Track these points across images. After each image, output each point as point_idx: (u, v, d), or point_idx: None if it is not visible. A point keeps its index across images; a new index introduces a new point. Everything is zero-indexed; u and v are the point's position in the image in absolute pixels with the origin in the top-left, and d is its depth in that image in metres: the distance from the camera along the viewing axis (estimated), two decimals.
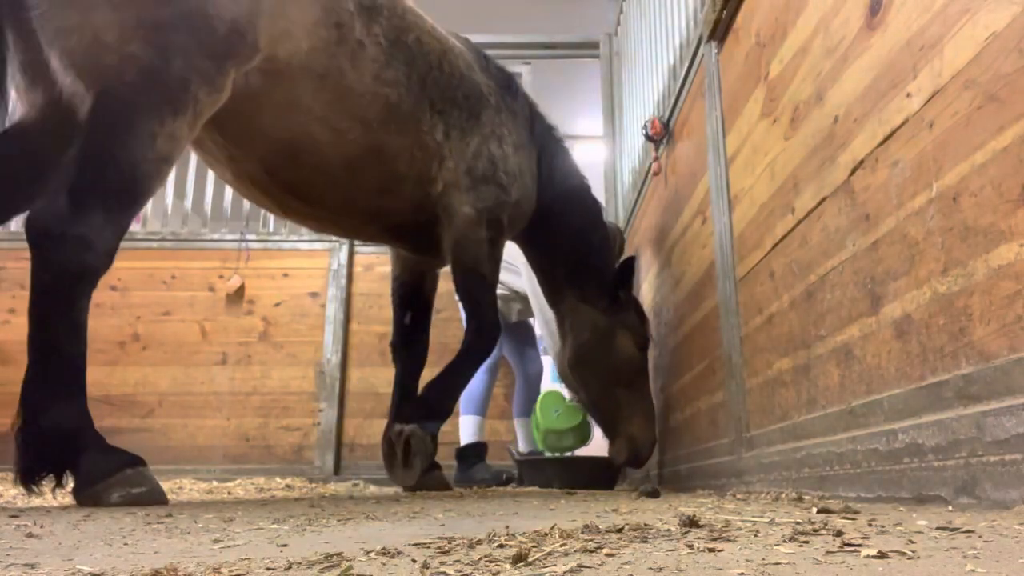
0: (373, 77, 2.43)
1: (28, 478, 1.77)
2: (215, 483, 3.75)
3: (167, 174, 2.02)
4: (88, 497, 1.79)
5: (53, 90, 1.99)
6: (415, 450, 2.66)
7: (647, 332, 3.29)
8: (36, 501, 2.14)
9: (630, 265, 3.22)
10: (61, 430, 1.79)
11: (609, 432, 3.27)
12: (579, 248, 3.19)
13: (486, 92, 2.88)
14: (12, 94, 2.07)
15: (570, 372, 3.30)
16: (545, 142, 3.18)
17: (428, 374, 4.74)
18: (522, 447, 4.28)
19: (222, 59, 2.01)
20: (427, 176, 2.71)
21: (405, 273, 3.26)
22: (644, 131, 3.59)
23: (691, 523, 1.03)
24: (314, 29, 2.26)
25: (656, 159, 3.58)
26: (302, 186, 2.54)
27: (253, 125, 2.29)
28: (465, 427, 4.13)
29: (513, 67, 5.45)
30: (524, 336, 4.43)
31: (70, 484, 1.82)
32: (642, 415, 3.19)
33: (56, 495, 1.88)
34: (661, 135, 3.47)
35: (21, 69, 2.04)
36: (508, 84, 3.05)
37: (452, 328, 4.91)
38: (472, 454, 4.07)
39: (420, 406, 2.78)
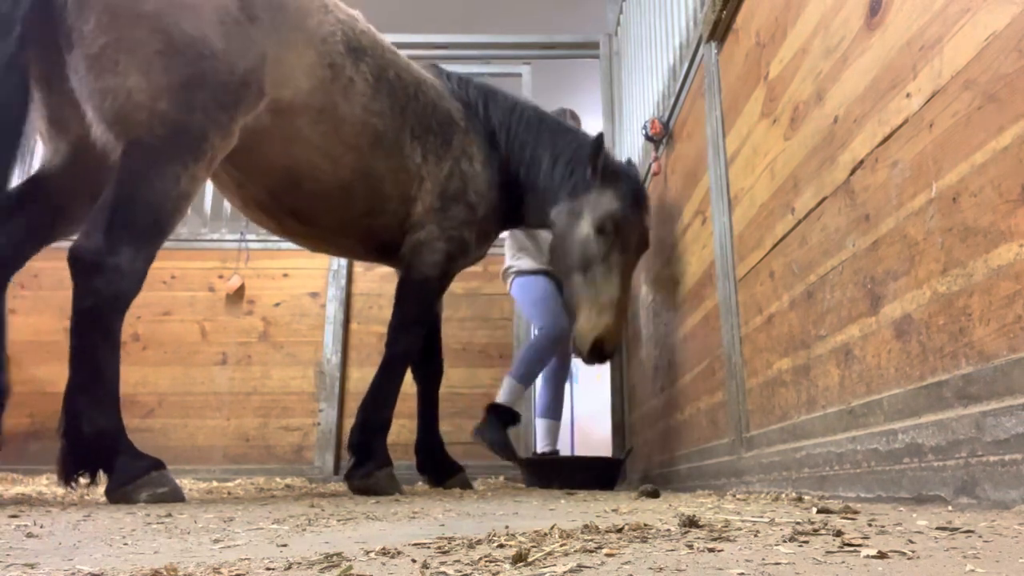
0: (362, 108, 2.74)
1: (68, 476, 2.05)
2: (215, 483, 3.75)
3: (187, 209, 2.32)
4: (120, 496, 2.03)
5: (78, 138, 2.33)
6: (383, 490, 2.71)
7: (620, 211, 3.08)
8: (37, 501, 2.14)
9: (598, 141, 3.10)
10: (100, 433, 2.06)
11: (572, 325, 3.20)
12: (551, 171, 3.22)
13: (456, 117, 3.13)
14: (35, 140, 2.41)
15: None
16: (502, 119, 3.25)
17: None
18: (540, 447, 4.23)
19: (234, 108, 2.33)
20: (408, 196, 2.97)
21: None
22: (644, 131, 3.59)
23: (691, 523, 1.03)
24: (311, 70, 2.58)
25: (656, 159, 3.58)
26: (303, 209, 2.84)
27: (261, 157, 2.59)
28: (512, 391, 3.95)
29: (513, 67, 5.46)
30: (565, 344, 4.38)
31: (102, 484, 2.07)
32: (589, 303, 3.04)
33: (63, 491, 1.88)
34: (661, 135, 3.46)
35: (47, 120, 2.40)
36: (468, 97, 3.24)
37: (452, 328, 4.91)
38: (497, 416, 3.88)
39: (361, 431, 2.85)
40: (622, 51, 5.15)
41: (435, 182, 2.99)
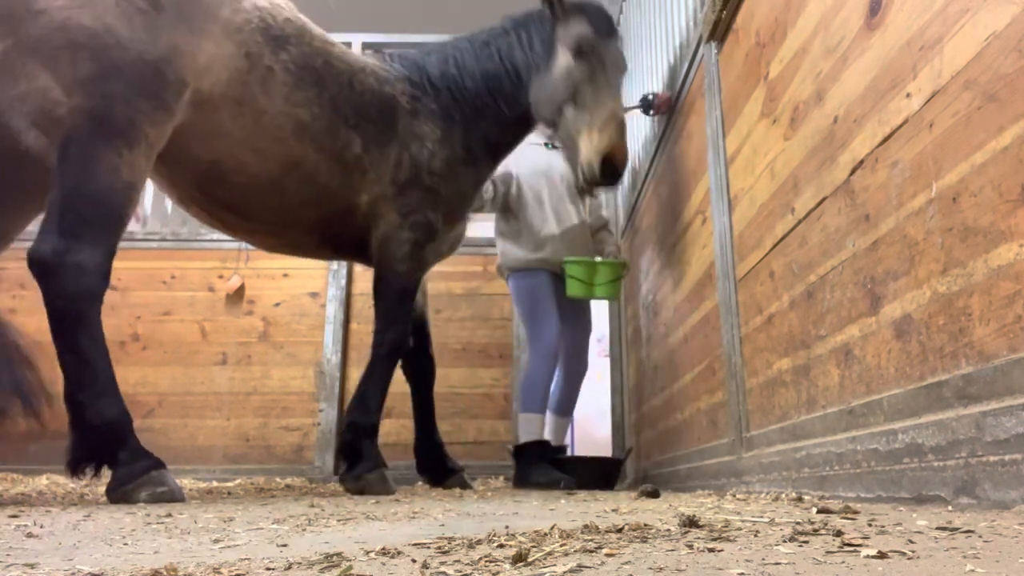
0: (284, 99, 2.68)
1: (75, 468, 2.15)
2: (215, 483, 3.75)
3: (136, 200, 2.35)
4: (120, 496, 2.08)
5: (9, 146, 2.32)
6: (375, 492, 2.71)
7: (592, 33, 3.03)
8: (37, 501, 2.14)
9: None
10: (105, 422, 2.16)
11: (575, 166, 3.09)
12: (512, 71, 3.13)
13: (401, 101, 3.02)
14: None
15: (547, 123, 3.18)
16: (443, 73, 3.13)
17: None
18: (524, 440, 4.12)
19: (156, 97, 2.33)
20: (350, 188, 2.90)
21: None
22: (643, 105, 3.55)
23: (691, 523, 1.03)
24: (229, 61, 2.54)
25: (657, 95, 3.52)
26: (236, 203, 2.81)
27: (186, 151, 2.57)
28: (525, 424, 3.81)
29: None
30: (582, 334, 4.12)
31: (105, 478, 2.18)
32: (587, 128, 2.95)
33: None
34: (663, 110, 3.46)
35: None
36: (421, 77, 3.10)
37: (452, 328, 4.92)
38: (533, 453, 3.71)
39: (350, 433, 2.87)
40: (622, 51, 5.14)
41: (381, 171, 2.94)
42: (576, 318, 4.09)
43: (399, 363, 3.16)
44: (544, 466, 3.60)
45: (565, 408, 4.06)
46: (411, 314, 3.05)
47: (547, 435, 3.99)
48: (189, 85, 2.42)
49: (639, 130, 4.33)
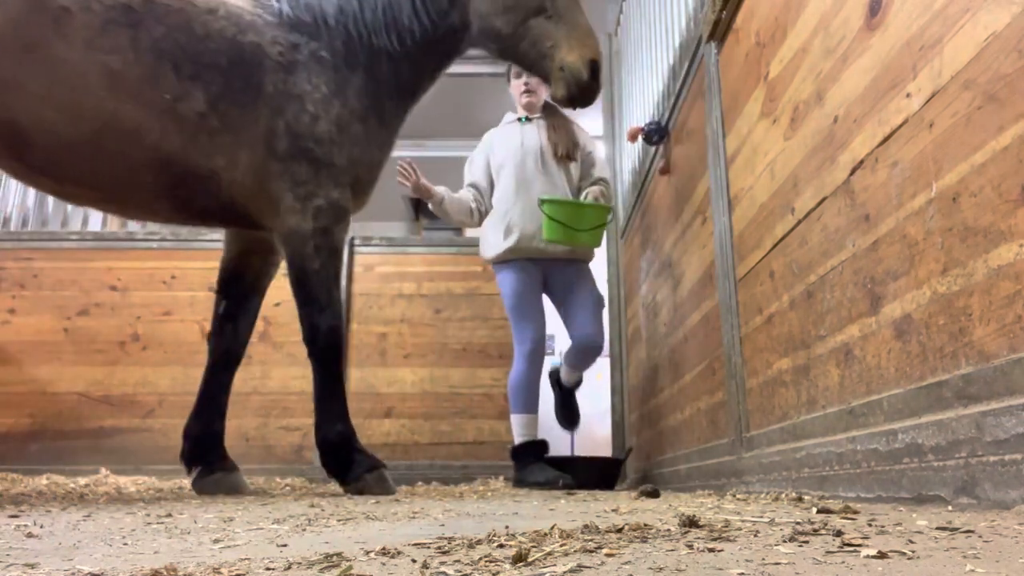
0: (86, 44, 2.31)
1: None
2: None
3: None
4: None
5: None
6: (377, 491, 2.58)
7: None
8: (37, 501, 2.14)
9: None
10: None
11: (548, 77, 2.84)
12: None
13: (271, 52, 2.59)
14: None
15: (502, 46, 2.88)
16: (343, 9, 2.75)
17: (427, 373, 4.81)
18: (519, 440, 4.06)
19: None
20: (197, 150, 2.51)
21: (229, 255, 3.04)
22: (645, 131, 3.55)
23: (691, 523, 1.03)
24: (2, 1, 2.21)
25: (663, 157, 3.49)
26: (52, 167, 2.45)
27: None
28: (516, 425, 3.67)
29: (513, 67, 5.44)
30: (583, 304, 3.70)
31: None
32: (567, 36, 2.74)
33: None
34: (634, 139, 3.45)
35: None
36: (315, 18, 2.71)
37: (452, 328, 4.91)
38: (528, 454, 3.60)
39: (325, 454, 2.68)
40: (622, 51, 5.15)
41: (245, 136, 2.56)
42: (572, 289, 3.71)
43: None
44: (542, 465, 3.54)
45: (578, 367, 3.76)
46: (336, 298, 2.71)
47: (562, 377, 3.85)
48: None
49: None
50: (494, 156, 3.82)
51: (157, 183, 2.55)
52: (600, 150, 4.02)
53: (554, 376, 3.93)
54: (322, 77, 2.64)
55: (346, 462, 2.63)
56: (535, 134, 3.77)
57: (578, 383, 3.90)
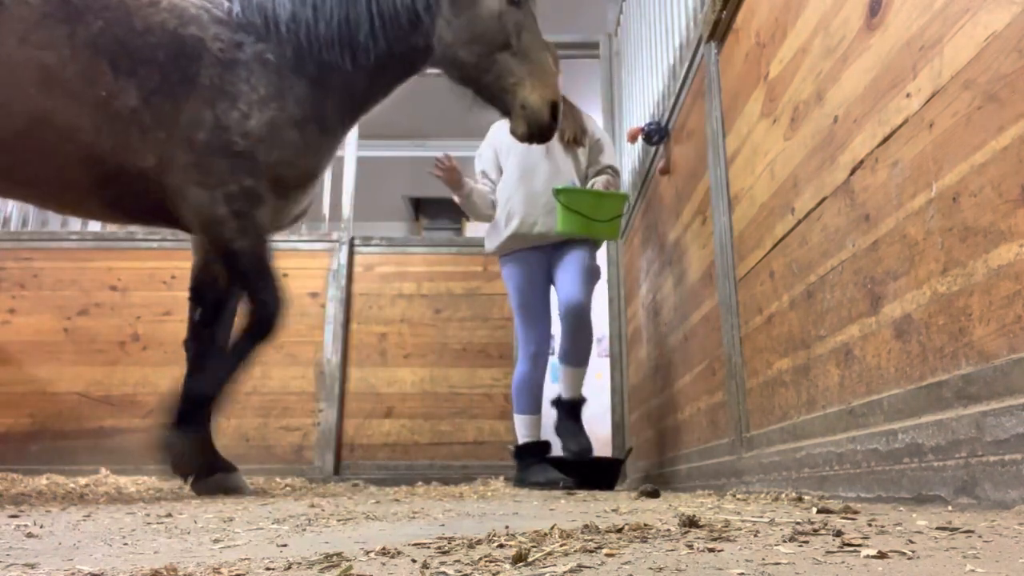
0: (19, 40, 2.28)
1: None
2: None
3: None
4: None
5: None
6: (170, 460, 2.55)
7: None
8: (37, 501, 2.14)
9: None
10: None
11: (507, 112, 2.88)
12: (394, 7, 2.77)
13: (212, 47, 2.56)
14: None
15: (469, 75, 2.88)
16: (296, 15, 2.70)
17: (427, 373, 4.81)
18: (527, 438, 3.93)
19: None
20: (128, 147, 2.49)
21: (199, 260, 2.98)
22: (645, 132, 3.55)
23: (691, 523, 1.03)
24: None
25: (663, 157, 3.48)
26: None
27: None
28: (519, 426, 3.65)
29: None
30: (572, 264, 3.57)
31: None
32: (530, 75, 2.79)
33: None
34: (635, 140, 3.43)
35: None
36: (266, 20, 2.68)
37: (452, 328, 4.91)
38: (530, 454, 3.56)
39: (183, 401, 2.66)
40: (622, 51, 5.15)
41: (172, 130, 2.51)
42: (565, 258, 3.58)
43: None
44: (544, 465, 3.51)
45: (571, 359, 3.57)
46: (272, 273, 2.69)
47: (559, 389, 3.70)
48: None
49: None
50: (501, 146, 3.76)
51: (89, 181, 2.52)
52: (609, 139, 3.97)
53: (555, 401, 3.70)
54: (263, 79, 2.62)
55: (183, 416, 2.65)
56: None
57: (580, 400, 3.67)
